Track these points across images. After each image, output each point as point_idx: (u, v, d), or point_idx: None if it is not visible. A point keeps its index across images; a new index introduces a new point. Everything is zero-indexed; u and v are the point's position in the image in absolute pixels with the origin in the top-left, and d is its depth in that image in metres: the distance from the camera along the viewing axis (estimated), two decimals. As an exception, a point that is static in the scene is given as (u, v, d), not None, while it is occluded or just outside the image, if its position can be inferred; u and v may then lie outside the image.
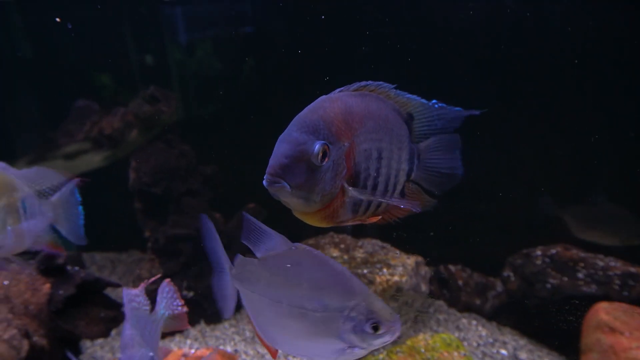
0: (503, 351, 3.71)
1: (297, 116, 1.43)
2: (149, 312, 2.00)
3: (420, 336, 3.05)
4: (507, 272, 4.06)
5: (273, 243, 1.61)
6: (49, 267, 3.11)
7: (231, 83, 4.84)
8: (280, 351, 1.70)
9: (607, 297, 3.40)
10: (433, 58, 4.00)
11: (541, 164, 4.18)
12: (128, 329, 1.82)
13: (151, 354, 1.75)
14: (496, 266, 4.18)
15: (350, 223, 1.51)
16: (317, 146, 1.34)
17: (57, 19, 4.48)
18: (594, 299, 3.27)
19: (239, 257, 1.71)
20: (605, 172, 4.05)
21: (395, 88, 1.55)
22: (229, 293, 1.74)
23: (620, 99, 3.86)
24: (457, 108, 1.56)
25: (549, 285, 3.69)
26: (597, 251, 3.74)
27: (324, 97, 1.48)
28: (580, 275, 3.62)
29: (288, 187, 1.34)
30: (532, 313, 3.84)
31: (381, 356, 2.90)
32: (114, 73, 4.81)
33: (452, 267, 4.35)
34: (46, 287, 3.02)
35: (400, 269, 3.66)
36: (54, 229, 2.26)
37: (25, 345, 2.66)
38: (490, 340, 3.86)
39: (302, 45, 4.29)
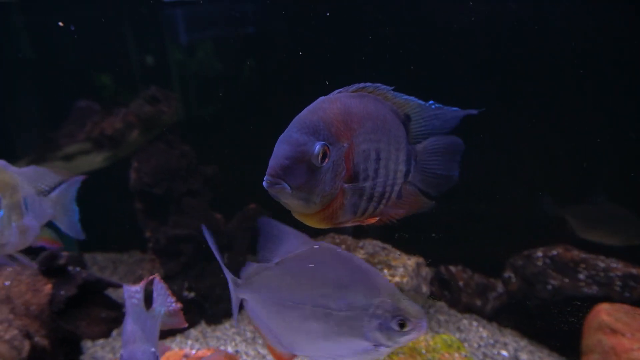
0: (504, 352, 3.70)
1: (296, 117, 1.44)
2: (147, 309, 2.01)
3: (421, 337, 3.05)
4: (508, 273, 4.06)
5: (294, 243, 1.56)
6: (51, 268, 3.11)
7: (231, 83, 4.85)
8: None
9: (608, 299, 3.39)
10: (433, 58, 4.00)
11: (542, 164, 4.18)
12: (130, 324, 1.82)
13: (153, 349, 1.74)
14: (497, 267, 4.18)
15: (349, 224, 1.51)
16: (318, 147, 1.34)
17: (60, 24, 4.49)
18: (595, 300, 3.27)
19: (249, 265, 1.64)
20: (605, 172, 4.05)
21: (393, 90, 1.55)
22: (234, 304, 1.69)
23: (620, 98, 3.85)
24: (454, 108, 1.56)
25: (549, 287, 3.69)
26: (599, 252, 3.73)
27: (322, 98, 1.48)
28: (581, 276, 3.62)
29: (288, 188, 1.33)
30: (533, 314, 3.84)
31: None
32: (115, 73, 4.81)
33: (452, 268, 4.35)
34: (47, 287, 3.03)
35: (401, 269, 3.66)
36: (50, 225, 2.29)
37: (26, 345, 2.67)
38: (491, 341, 3.86)
39: (302, 46, 4.29)
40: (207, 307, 4.19)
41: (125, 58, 4.82)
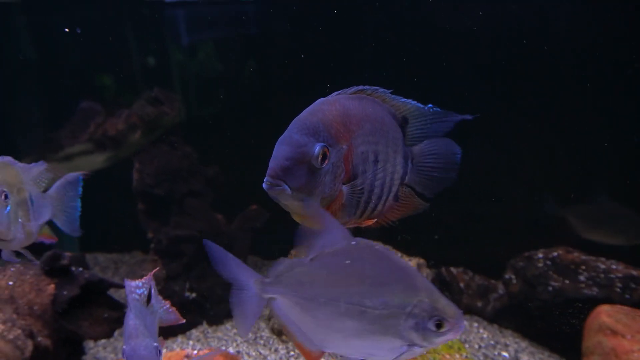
0: (504, 353, 3.71)
1: (296, 118, 1.44)
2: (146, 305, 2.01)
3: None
4: (508, 275, 4.06)
5: (331, 238, 1.50)
6: (54, 268, 3.12)
7: (233, 85, 4.86)
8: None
9: (609, 300, 3.39)
10: (434, 59, 4.01)
11: (542, 165, 4.18)
12: (132, 319, 1.80)
13: (155, 344, 1.74)
14: (498, 268, 4.18)
15: (347, 226, 1.51)
16: (318, 148, 1.35)
17: (66, 29, 4.52)
18: (595, 302, 3.26)
19: (282, 262, 1.59)
20: (606, 172, 4.04)
21: (391, 92, 1.56)
22: (250, 312, 1.61)
23: (621, 98, 3.85)
24: (451, 112, 1.57)
25: (550, 288, 3.69)
26: (599, 252, 3.73)
27: (322, 99, 1.49)
28: (581, 278, 3.62)
29: (288, 189, 1.34)
30: (534, 315, 3.83)
31: (382, 358, 2.90)
32: (117, 74, 4.83)
33: (453, 270, 4.35)
34: (50, 287, 3.04)
35: (401, 270, 3.65)
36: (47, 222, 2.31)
37: (29, 345, 2.68)
38: (492, 342, 3.86)
39: (302, 47, 4.30)
40: (208, 307, 4.20)
41: (127, 59, 4.84)
